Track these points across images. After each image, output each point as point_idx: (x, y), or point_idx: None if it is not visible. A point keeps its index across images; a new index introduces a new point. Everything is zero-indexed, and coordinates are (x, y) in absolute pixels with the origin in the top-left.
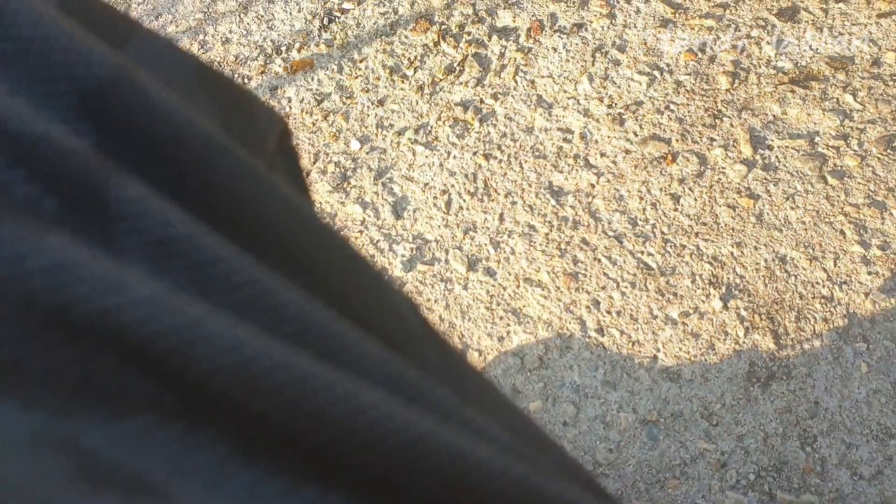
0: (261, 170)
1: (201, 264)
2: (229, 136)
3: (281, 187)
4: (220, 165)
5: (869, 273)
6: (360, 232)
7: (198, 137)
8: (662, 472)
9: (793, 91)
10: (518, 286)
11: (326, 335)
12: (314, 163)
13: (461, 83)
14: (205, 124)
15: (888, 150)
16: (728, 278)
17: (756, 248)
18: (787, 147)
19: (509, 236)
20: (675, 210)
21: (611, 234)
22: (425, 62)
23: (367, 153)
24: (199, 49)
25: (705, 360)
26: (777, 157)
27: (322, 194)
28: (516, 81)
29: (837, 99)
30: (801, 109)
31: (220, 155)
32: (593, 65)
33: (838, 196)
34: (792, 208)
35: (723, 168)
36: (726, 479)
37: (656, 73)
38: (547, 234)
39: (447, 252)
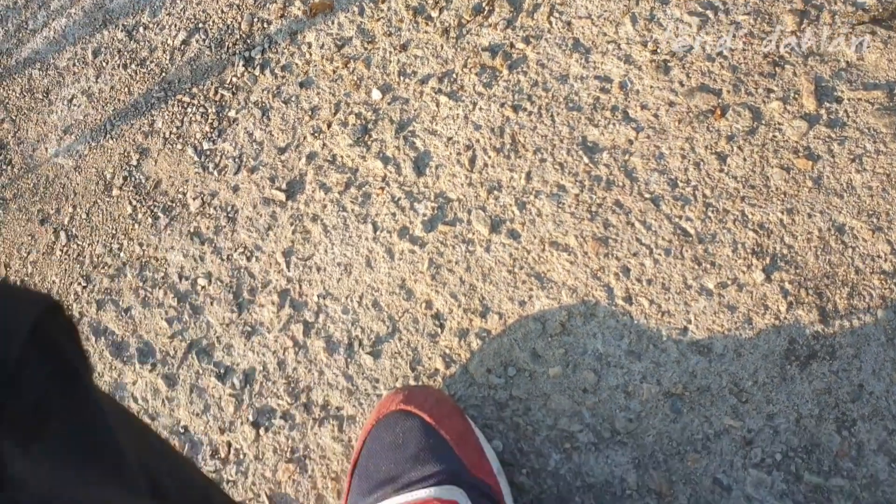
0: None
1: None
2: None
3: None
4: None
5: None
6: (382, 189)
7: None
8: (683, 445)
9: (873, 33)
10: (543, 250)
11: None
12: (335, 114)
13: (490, 25)
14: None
15: None
16: (774, 248)
17: (810, 216)
18: (859, 100)
19: (536, 197)
20: (721, 171)
21: (647, 196)
22: (451, 1)
23: (389, 104)
24: None
25: (740, 334)
26: (846, 111)
27: (343, 148)
28: (550, 23)
29: None
30: (881, 55)
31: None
32: (637, 4)
33: None
34: (858, 171)
35: (779, 124)
36: (750, 457)
37: (709, 12)
38: (577, 196)
39: (469, 213)
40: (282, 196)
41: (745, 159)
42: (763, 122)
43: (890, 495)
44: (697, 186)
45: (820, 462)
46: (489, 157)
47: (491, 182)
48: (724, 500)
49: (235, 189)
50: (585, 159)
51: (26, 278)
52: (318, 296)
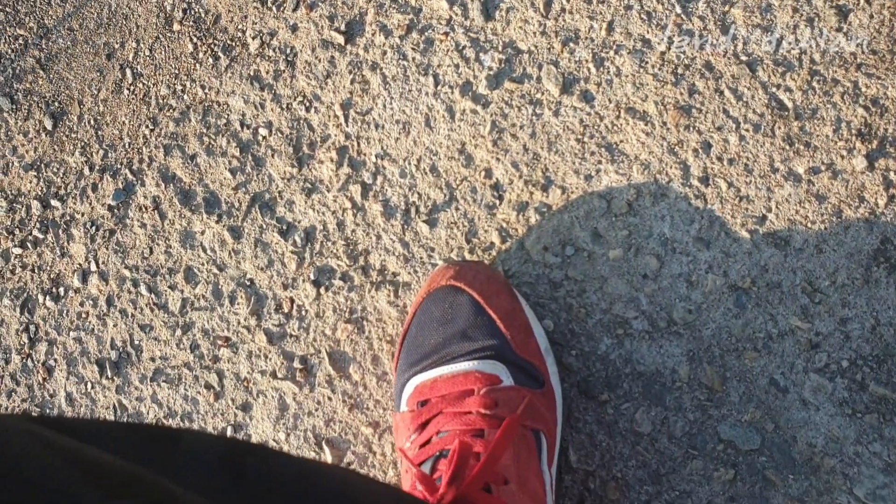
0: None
1: None
2: None
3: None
4: None
5: None
6: (445, 35)
7: None
8: (742, 342)
9: None
10: (618, 117)
11: None
12: None
13: None
14: None
15: None
16: (885, 130)
17: None
18: None
19: (616, 52)
20: (838, 31)
21: (743, 58)
22: None
23: None
24: None
25: (825, 228)
26: None
27: None
28: None
29: None
30: None
31: None
32: None
33: None
34: None
35: None
36: (814, 361)
37: None
38: (663, 54)
39: (540, 68)
40: (341, 39)
41: (871, 17)
42: None
43: None
44: (806, 49)
45: (890, 373)
46: (567, 1)
47: (567, 32)
48: (778, 402)
49: (294, 28)
50: (678, 9)
51: (99, 117)
52: (376, 156)
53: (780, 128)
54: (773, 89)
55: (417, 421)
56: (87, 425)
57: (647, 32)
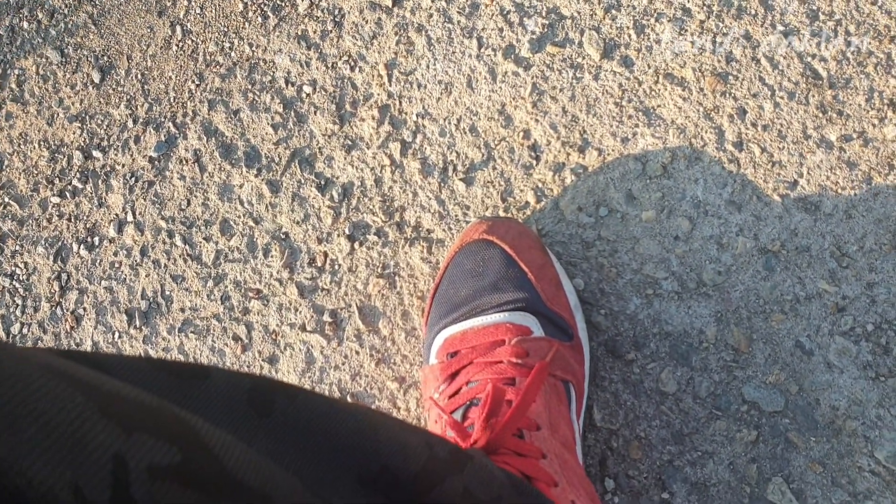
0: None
1: None
2: None
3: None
4: None
5: None
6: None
7: None
8: (770, 304)
9: None
10: (656, 82)
11: None
12: None
13: None
14: None
15: None
16: None
17: None
18: None
19: (657, 20)
20: (873, 3)
21: (780, 28)
22: None
23: None
24: None
25: (855, 194)
26: None
27: None
28: None
29: None
30: None
31: None
32: None
33: None
34: None
35: None
36: (839, 325)
37: None
38: (702, 22)
39: (582, 33)
40: (388, 1)
41: None
42: None
43: None
44: (841, 21)
45: None
46: None
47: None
48: (802, 364)
49: None
50: None
51: (146, 72)
52: (417, 115)
53: (813, 96)
54: (809, 58)
55: (447, 371)
56: (112, 359)
57: (688, 2)
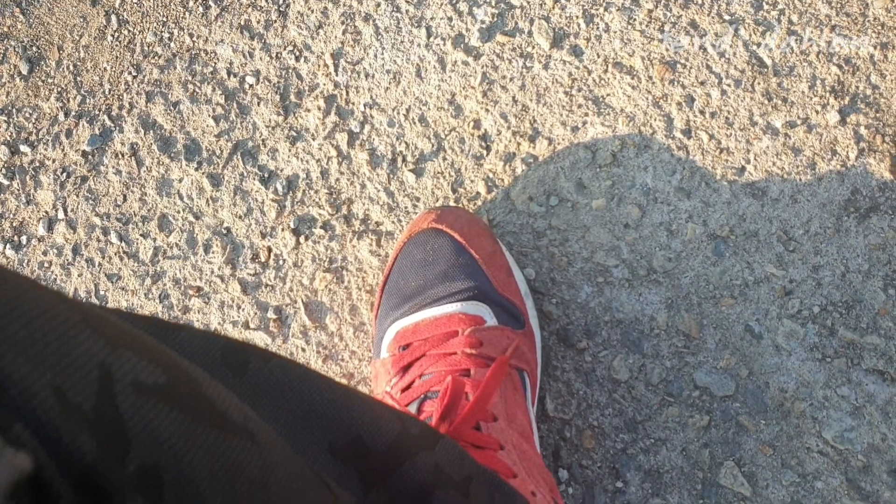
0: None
1: None
2: None
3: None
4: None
5: None
6: None
7: None
8: (720, 289)
9: None
10: (605, 71)
11: None
12: None
13: None
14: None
15: None
16: (856, 87)
17: None
18: None
19: (606, 9)
20: None
21: (726, 17)
22: None
23: None
24: None
25: (800, 179)
26: None
27: None
28: None
29: None
30: None
31: None
32: None
33: None
34: None
35: None
36: (787, 308)
37: None
38: (650, 11)
39: (532, 22)
40: None
41: None
42: None
43: None
44: (784, 10)
45: (859, 318)
46: None
47: None
48: (752, 348)
49: None
50: None
51: (79, 63)
52: (365, 105)
53: (759, 83)
54: (754, 47)
55: (399, 364)
56: (88, 305)
57: None
